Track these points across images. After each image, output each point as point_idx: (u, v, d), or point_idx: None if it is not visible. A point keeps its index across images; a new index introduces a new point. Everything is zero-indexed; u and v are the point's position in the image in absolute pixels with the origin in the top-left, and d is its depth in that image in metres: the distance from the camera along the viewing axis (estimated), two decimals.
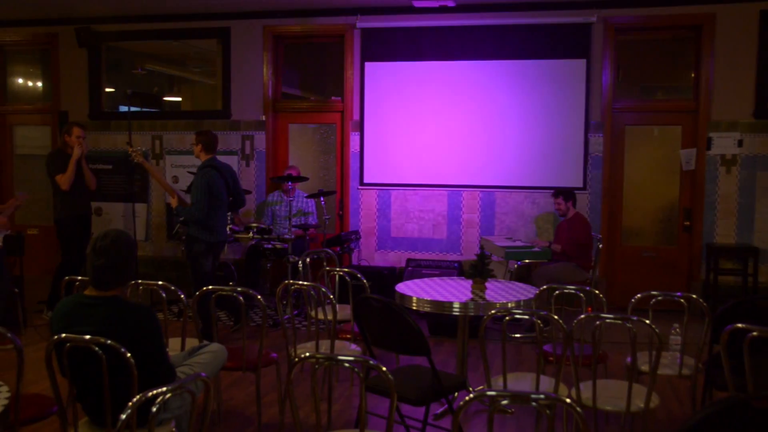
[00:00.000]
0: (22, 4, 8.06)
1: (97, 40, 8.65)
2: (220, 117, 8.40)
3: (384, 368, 2.57)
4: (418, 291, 4.58)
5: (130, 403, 2.39)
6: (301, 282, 4.52)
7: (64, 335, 2.86)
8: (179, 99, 10.33)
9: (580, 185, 7.52)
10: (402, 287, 4.71)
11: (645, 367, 3.89)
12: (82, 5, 8.07)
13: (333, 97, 8.35)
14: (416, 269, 7.33)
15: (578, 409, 2.16)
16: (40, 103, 9.32)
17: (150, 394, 2.43)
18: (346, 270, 5.01)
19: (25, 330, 6.50)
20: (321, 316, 4.63)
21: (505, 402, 2.26)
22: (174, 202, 6.04)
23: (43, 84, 9.51)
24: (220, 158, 8.37)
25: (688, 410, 4.68)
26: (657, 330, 3.26)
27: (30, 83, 9.74)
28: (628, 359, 3.60)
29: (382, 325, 3.68)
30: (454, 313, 4.35)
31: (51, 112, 8.98)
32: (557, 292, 4.23)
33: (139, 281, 4.19)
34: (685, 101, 7.60)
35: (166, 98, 10.30)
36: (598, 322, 3.37)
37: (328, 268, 5.19)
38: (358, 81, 8.00)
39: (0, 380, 2.74)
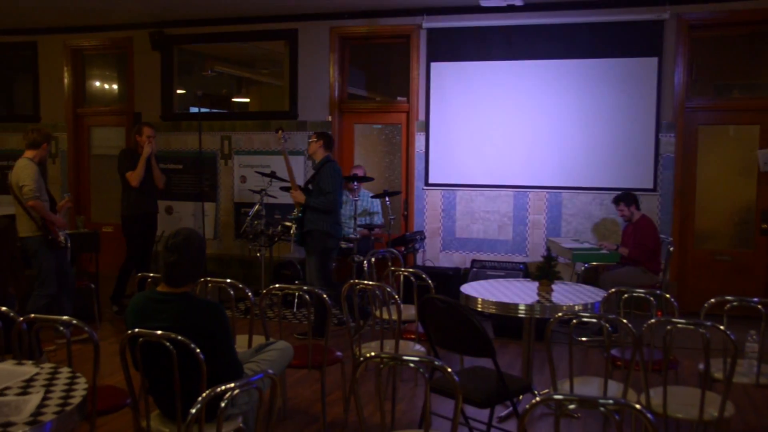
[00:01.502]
0: (101, 11, 8.35)
1: (169, 44, 8.90)
2: (287, 117, 8.51)
3: (449, 369, 2.56)
4: (483, 292, 4.55)
5: (200, 398, 2.45)
6: (366, 282, 4.55)
7: (137, 330, 2.95)
8: (247, 100, 10.54)
9: (650, 186, 7.34)
10: (467, 288, 4.68)
11: (718, 375, 3.76)
12: (156, 10, 8.31)
13: (398, 98, 8.36)
14: (481, 270, 7.28)
15: (648, 415, 2.11)
16: (115, 105, 9.63)
17: (219, 389, 2.48)
18: (411, 270, 5.01)
19: (100, 324, 6.73)
20: (385, 316, 4.65)
21: (572, 406, 2.23)
22: (300, 197, 6.15)
23: (119, 86, 9.83)
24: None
25: (766, 421, 4.52)
26: (732, 336, 3.15)
27: (106, 86, 10.09)
28: (701, 366, 3.50)
29: (447, 325, 3.67)
30: (520, 315, 4.31)
31: (125, 114, 9.26)
32: (626, 295, 4.13)
33: (208, 279, 4.29)
34: (764, 99, 7.32)
35: (234, 99, 10.53)
36: (669, 327, 3.28)
37: (393, 268, 5.20)
38: (424, 81, 7.99)
39: (77, 371, 2.84)
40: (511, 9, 7.48)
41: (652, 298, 4.07)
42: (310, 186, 6.22)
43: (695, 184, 7.48)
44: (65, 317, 3.20)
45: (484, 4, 7.38)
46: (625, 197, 6.72)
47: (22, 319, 3.24)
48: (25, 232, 5.70)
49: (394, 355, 2.74)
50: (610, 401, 2.18)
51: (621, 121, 7.42)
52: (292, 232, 7.02)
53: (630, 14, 7.32)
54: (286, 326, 6.72)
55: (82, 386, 2.66)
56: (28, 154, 5.83)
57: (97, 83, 10.04)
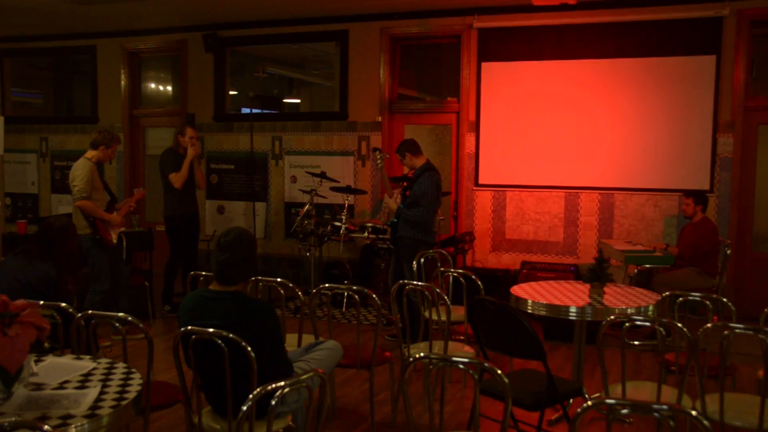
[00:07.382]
0: (157, 14, 8.52)
1: (222, 46, 9.03)
2: (338, 118, 8.56)
3: (499, 371, 2.54)
4: (533, 294, 4.50)
5: (251, 396, 2.48)
6: (415, 282, 4.54)
7: (189, 327, 3.00)
8: (298, 101, 10.62)
9: (707, 187, 7.16)
10: (517, 290, 4.64)
11: None
12: (209, 12, 8.44)
13: (449, 98, 8.34)
14: (531, 272, 7.20)
15: (705, 422, 2.06)
16: (169, 106, 9.82)
17: (269, 387, 2.51)
18: (460, 271, 4.98)
19: (153, 321, 6.86)
20: (434, 316, 4.63)
21: (624, 411, 2.19)
22: (392, 205, 6.14)
23: (173, 88, 10.02)
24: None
25: None
26: None
27: (161, 88, 10.29)
28: (760, 373, 3.40)
29: (497, 327, 3.64)
30: (571, 318, 4.24)
31: (179, 115, 9.42)
32: (681, 299, 4.04)
33: (259, 278, 4.34)
34: None
35: (285, 100, 10.63)
36: (726, 332, 3.19)
37: (442, 269, 5.18)
38: (475, 81, 7.94)
39: (132, 367, 2.90)
40: (563, 8, 7.38)
41: (708, 302, 3.97)
42: (407, 193, 6.11)
43: (754, 185, 7.27)
44: (121, 314, 3.27)
45: (537, 3, 7.29)
46: (697, 194, 6.59)
47: (80, 315, 3.33)
48: (79, 230, 5.83)
49: (443, 356, 2.73)
50: (665, 407, 2.13)
51: (676, 120, 7.26)
52: (341, 232, 7.05)
53: (687, 12, 7.14)
54: (335, 326, 6.75)
55: (136, 382, 2.72)
56: (88, 154, 6.00)
57: (152, 85, 10.25)
